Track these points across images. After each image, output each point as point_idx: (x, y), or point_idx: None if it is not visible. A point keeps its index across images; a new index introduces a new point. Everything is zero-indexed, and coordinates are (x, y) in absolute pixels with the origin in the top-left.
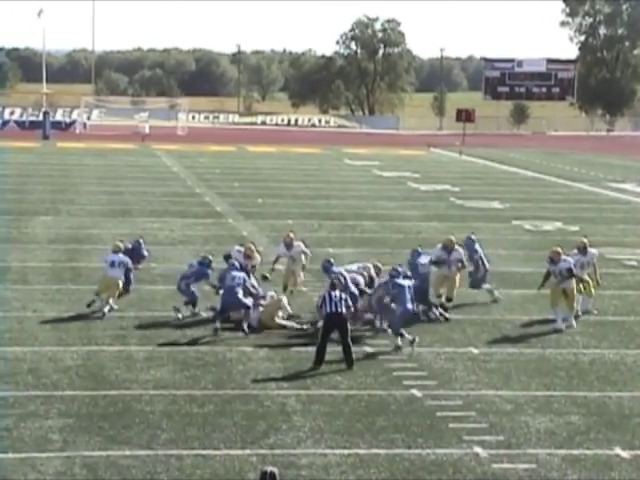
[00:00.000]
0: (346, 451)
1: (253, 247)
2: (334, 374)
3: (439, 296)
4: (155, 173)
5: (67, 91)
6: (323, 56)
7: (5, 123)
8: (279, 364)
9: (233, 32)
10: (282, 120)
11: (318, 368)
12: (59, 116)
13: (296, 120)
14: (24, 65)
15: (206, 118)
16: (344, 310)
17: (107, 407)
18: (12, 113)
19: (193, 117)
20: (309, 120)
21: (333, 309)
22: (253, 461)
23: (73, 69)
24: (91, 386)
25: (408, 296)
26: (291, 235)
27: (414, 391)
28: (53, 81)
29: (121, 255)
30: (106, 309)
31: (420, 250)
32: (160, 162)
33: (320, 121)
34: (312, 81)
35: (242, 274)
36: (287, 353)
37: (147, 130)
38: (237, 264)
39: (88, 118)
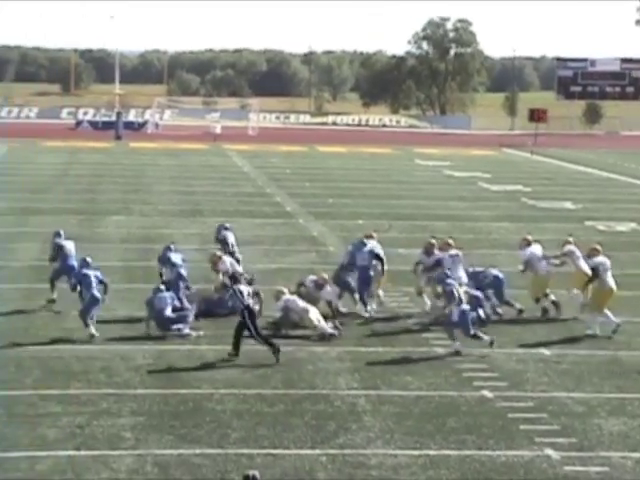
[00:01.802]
0: (416, 452)
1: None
2: (404, 375)
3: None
4: (226, 173)
5: (140, 92)
6: (394, 56)
7: (79, 123)
8: (349, 364)
9: (304, 32)
10: (353, 120)
11: None
12: (132, 116)
13: (367, 120)
14: (98, 66)
15: (277, 118)
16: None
17: (178, 406)
18: (85, 113)
19: (264, 117)
20: (380, 120)
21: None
22: (323, 461)
23: (146, 70)
24: (162, 385)
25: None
26: (432, 242)
27: (485, 392)
28: (126, 82)
29: None
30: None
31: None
32: (231, 162)
33: (391, 121)
34: (383, 81)
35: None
36: (357, 353)
37: (218, 130)
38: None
39: (160, 118)
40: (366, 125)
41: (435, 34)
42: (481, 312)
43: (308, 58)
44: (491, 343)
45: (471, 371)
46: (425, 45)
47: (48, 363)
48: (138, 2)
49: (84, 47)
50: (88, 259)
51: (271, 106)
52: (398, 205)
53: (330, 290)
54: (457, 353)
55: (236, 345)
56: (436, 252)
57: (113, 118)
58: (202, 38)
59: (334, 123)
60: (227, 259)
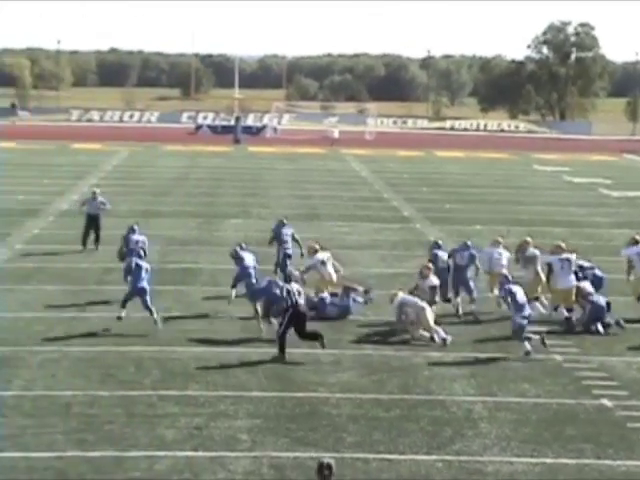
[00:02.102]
0: (533, 460)
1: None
2: (521, 381)
3: None
4: (343, 177)
5: (259, 96)
6: (513, 61)
7: (198, 128)
8: (465, 370)
9: (423, 37)
10: (471, 125)
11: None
12: (250, 121)
13: (485, 125)
14: (217, 71)
15: (394, 123)
16: None
17: (294, 409)
18: (205, 118)
19: (382, 122)
20: (498, 125)
21: None
22: (439, 467)
23: (265, 74)
24: (279, 388)
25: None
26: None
27: (604, 401)
28: (245, 86)
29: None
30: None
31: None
32: (348, 166)
33: (509, 126)
34: (502, 86)
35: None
36: (474, 359)
37: (336, 135)
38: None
39: (279, 123)
40: (484, 130)
41: (556, 38)
42: (599, 325)
43: (426, 62)
44: (526, 353)
45: (590, 379)
46: (545, 50)
47: (167, 364)
48: (258, 8)
49: (204, 52)
50: (135, 226)
51: (389, 111)
52: (516, 211)
53: (434, 278)
54: (527, 354)
55: (313, 336)
56: (530, 249)
57: (232, 122)
58: (321, 43)
59: (452, 128)
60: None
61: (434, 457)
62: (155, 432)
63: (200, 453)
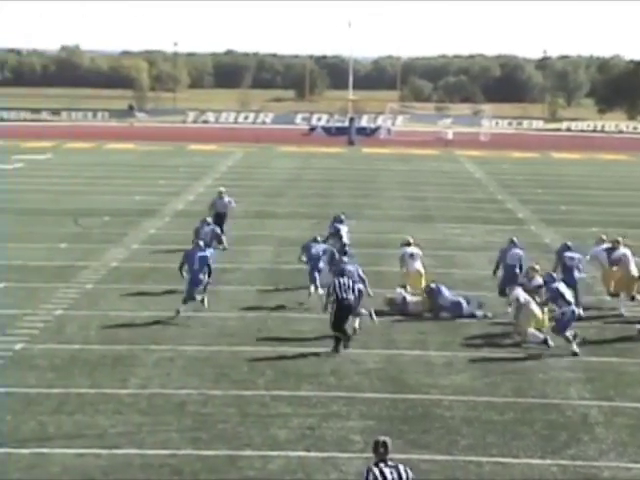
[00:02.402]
0: None
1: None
2: (639, 386)
3: None
4: (457, 179)
5: (373, 97)
6: (632, 61)
7: (313, 129)
8: (580, 374)
9: (539, 37)
10: (588, 126)
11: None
12: (364, 122)
13: (602, 126)
14: (332, 72)
15: (509, 124)
16: None
17: (407, 411)
18: (319, 119)
19: (497, 123)
20: (616, 126)
21: None
22: (554, 471)
23: (379, 76)
24: (391, 389)
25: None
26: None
27: None
28: (359, 88)
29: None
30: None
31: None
32: (462, 168)
33: (627, 127)
34: (620, 86)
35: None
36: (589, 363)
37: (450, 136)
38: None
39: (393, 124)
40: (601, 131)
41: None
42: None
43: (543, 63)
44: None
45: None
46: None
47: (279, 364)
48: (373, 9)
49: (319, 53)
50: (209, 219)
51: (504, 112)
52: (633, 213)
53: (540, 279)
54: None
55: (343, 333)
56: (620, 249)
57: (346, 124)
58: (436, 44)
59: (568, 129)
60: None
61: (549, 461)
62: (268, 432)
63: (313, 453)
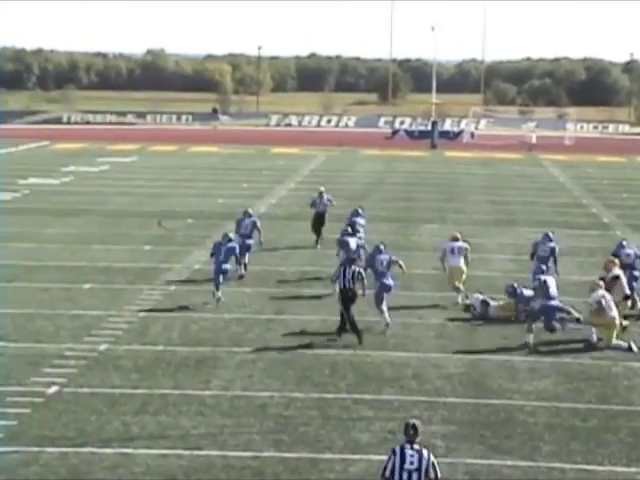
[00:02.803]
0: None
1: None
2: None
3: None
4: (541, 183)
5: (456, 101)
6: None
7: (395, 132)
8: None
9: (626, 40)
10: None
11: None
12: (447, 126)
13: None
14: (415, 76)
15: (595, 128)
16: None
17: (489, 416)
18: (402, 123)
19: (581, 127)
20: None
21: None
22: (638, 479)
23: (462, 79)
24: (474, 394)
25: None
26: None
27: None
28: (442, 91)
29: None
30: (460, 299)
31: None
32: (546, 172)
33: None
34: None
35: None
36: None
37: (534, 140)
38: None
39: (476, 128)
40: None
41: None
42: None
43: (629, 66)
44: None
45: None
46: None
47: (361, 368)
48: (456, 13)
49: (402, 57)
50: (250, 210)
51: (589, 115)
52: None
53: (618, 271)
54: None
55: (353, 325)
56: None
57: (429, 127)
58: (520, 47)
59: None
60: (352, 240)
61: (634, 469)
62: (350, 435)
63: None
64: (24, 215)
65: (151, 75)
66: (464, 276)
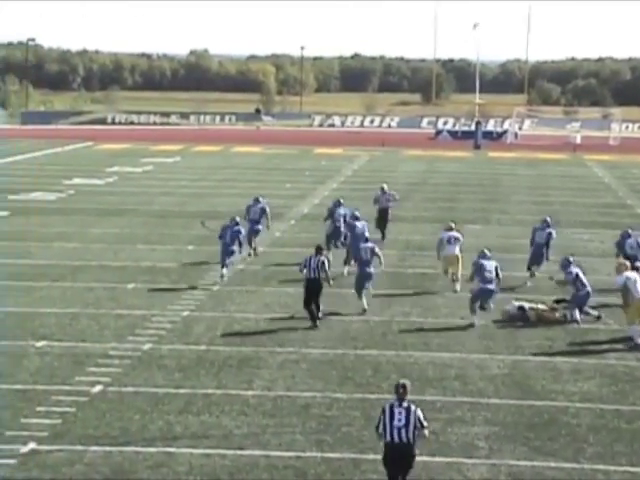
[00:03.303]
0: None
1: None
2: None
3: None
4: (585, 184)
5: (499, 101)
6: None
7: (438, 133)
8: None
9: None
10: None
11: None
12: (491, 126)
13: None
14: (458, 76)
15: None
16: None
17: (532, 417)
18: (445, 123)
19: (627, 127)
20: None
21: None
22: None
23: (506, 79)
24: (517, 395)
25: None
26: None
27: None
28: (486, 91)
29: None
30: (458, 287)
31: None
32: (591, 172)
33: None
34: None
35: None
36: None
37: (578, 140)
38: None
39: (520, 128)
40: None
41: None
42: None
43: None
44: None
45: None
46: None
47: (404, 368)
48: (499, 13)
49: (445, 57)
50: (260, 198)
51: (634, 116)
52: None
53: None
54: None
55: (311, 313)
56: None
57: (472, 128)
58: (564, 47)
59: None
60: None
61: None
62: None
63: (437, 458)
64: (69, 215)
65: (195, 76)
66: (459, 264)
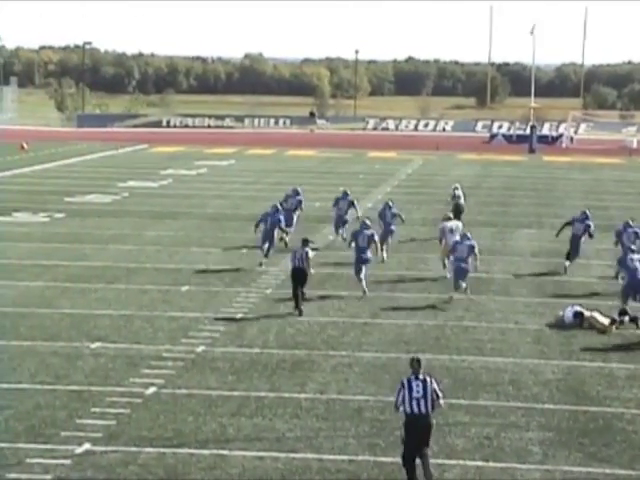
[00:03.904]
0: None
1: None
2: None
3: None
4: None
5: (555, 105)
6: None
7: (493, 136)
8: None
9: None
10: None
11: None
12: (546, 130)
13: None
14: (513, 79)
15: None
16: None
17: (587, 423)
18: (500, 127)
19: None
20: None
21: None
22: None
23: (561, 83)
24: (571, 401)
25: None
26: None
27: None
28: (541, 95)
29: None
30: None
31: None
32: None
33: None
34: None
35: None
36: None
37: (635, 144)
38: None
39: (575, 132)
40: None
41: None
42: None
43: None
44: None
45: None
46: None
47: (458, 373)
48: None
49: (500, 61)
50: (299, 188)
51: None
52: None
53: None
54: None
55: (296, 300)
56: None
57: (527, 132)
58: (621, 50)
59: None
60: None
61: None
62: (445, 440)
63: (491, 464)
64: (123, 217)
65: (249, 79)
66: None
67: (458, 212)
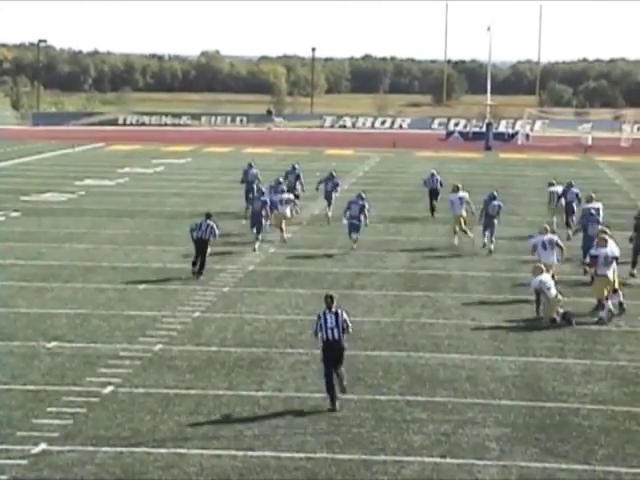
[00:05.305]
0: None
1: None
2: None
3: None
4: (597, 185)
5: (511, 102)
6: None
7: (450, 134)
8: None
9: None
10: None
11: None
12: (502, 127)
13: None
14: (469, 77)
15: None
16: None
17: (543, 419)
18: (457, 124)
19: (638, 128)
20: None
21: None
22: None
23: (517, 80)
24: (528, 397)
25: None
26: None
27: None
28: (497, 92)
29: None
30: (455, 240)
31: None
32: (602, 174)
33: None
34: None
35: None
36: None
37: (590, 142)
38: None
39: (531, 129)
40: None
41: None
42: None
43: None
44: None
45: None
46: None
47: (415, 370)
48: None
49: (457, 58)
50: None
51: None
52: None
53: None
54: None
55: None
56: None
57: (483, 129)
58: (575, 48)
59: None
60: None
61: None
62: (403, 437)
63: (448, 460)
64: (80, 216)
65: (206, 77)
66: (463, 221)
67: (432, 198)
